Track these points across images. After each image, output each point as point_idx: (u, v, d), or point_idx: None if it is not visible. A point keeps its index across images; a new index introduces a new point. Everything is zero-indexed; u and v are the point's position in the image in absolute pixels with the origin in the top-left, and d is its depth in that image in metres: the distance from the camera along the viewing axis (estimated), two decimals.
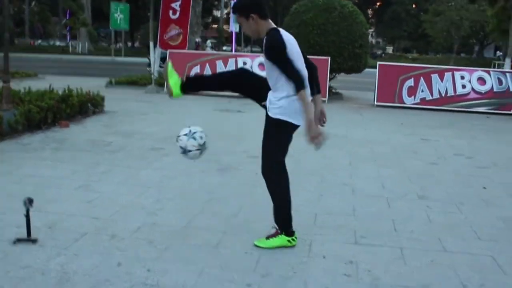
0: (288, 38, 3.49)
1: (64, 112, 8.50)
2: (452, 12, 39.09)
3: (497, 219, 4.66)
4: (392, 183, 5.76)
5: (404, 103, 12.82)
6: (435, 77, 12.85)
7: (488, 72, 13.08)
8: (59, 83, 11.14)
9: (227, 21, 59.42)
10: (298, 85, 3.33)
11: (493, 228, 4.41)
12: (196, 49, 18.98)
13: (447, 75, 12.86)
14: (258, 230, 4.04)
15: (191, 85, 3.88)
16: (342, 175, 6.03)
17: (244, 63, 13.32)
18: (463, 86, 12.79)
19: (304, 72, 3.47)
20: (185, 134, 3.77)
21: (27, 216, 3.59)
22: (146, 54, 34.94)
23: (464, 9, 38.94)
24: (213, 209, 4.54)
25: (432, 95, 12.82)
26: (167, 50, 14.02)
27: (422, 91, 12.83)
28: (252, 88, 3.74)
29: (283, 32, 3.52)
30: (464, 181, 5.97)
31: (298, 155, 6.66)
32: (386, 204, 4.97)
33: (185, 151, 3.75)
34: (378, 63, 13.40)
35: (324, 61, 12.74)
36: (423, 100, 12.82)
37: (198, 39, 20.18)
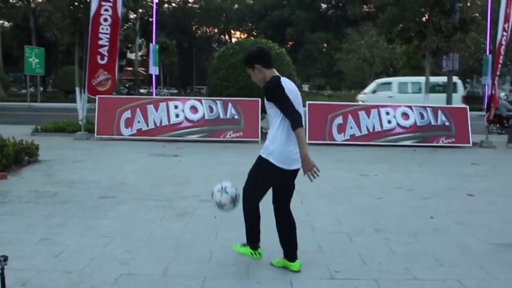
0: (287, 85, 3.74)
1: (0, 163, 8.13)
2: (365, 50, 41.29)
3: (452, 246, 4.97)
4: (347, 218, 5.97)
5: (335, 140, 13.31)
6: (362, 114, 13.48)
7: (410, 107, 13.92)
8: None
9: (142, 64, 59.21)
10: (296, 122, 3.67)
11: (451, 255, 4.70)
12: None
13: (373, 111, 13.54)
14: (235, 273, 4.09)
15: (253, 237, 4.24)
16: (298, 213, 6.09)
17: (176, 107, 13.29)
18: (389, 122, 13.50)
19: (302, 114, 3.78)
20: (218, 190, 4.08)
21: (2, 275, 3.42)
22: (63, 99, 33.82)
23: (375, 47, 41.22)
24: (185, 256, 4.52)
25: (360, 131, 13.41)
26: (95, 95, 13.77)
27: (351, 127, 13.40)
28: None
29: (283, 78, 3.86)
30: (412, 213, 6.30)
31: None
32: (348, 239, 5.15)
33: (220, 205, 4.07)
34: (307, 102, 13.86)
35: (255, 102, 13.07)
36: (353, 137, 13.37)
37: None
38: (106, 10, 12.85)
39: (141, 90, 53.98)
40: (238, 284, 3.90)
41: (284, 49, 14.38)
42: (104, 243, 4.80)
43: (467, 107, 14.07)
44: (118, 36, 13.22)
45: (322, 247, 4.86)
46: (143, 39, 57.95)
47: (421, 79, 22.89)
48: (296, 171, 4.02)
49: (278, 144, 3.87)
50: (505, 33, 13.29)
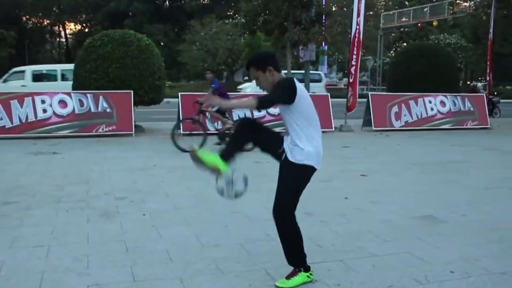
0: (301, 86, 3.68)
1: None
2: (207, 42, 41.83)
3: (381, 223, 5.41)
4: (270, 206, 6.10)
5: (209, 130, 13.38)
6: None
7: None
8: None
9: None
10: (262, 101, 3.48)
11: (386, 231, 5.13)
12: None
13: None
14: (207, 270, 4.03)
15: (228, 155, 3.78)
16: (224, 204, 6.18)
17: (43, 101, 12.26)
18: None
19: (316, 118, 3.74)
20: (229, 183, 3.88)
21: None
22: None
23: (218, 39, 41.98)
24: (141, 258, 4.29)
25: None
26: None
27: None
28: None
29: (297, 82, 3.70)
30: (326, 195, 6.68)
31: (166, 193, 6.70)
32: None
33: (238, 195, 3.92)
34: (180, 93, 13.75)
35: (127, 95, 12.70)
36: None
37: None
38: None
39: None
40: (218, 281, 3.84)
41: None
42: (43, 253, 4.36)
43: (328, 94, 15.09)
44: None
45: (270, 235, 4.95)
46: None
47: (57, 66, 23.70)
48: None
49: (309, 145, 3.67)
50: (358, 27, 14.46)
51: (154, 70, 13.47)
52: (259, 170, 8.46)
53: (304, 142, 3.66)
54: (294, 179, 3.73)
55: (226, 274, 3.96)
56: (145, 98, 13.41)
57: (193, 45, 43.21)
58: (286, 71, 17.95)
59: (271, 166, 9.00)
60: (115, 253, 4.39)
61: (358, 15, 14.50)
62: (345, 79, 56.19)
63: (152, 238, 4.82)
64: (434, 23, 39.90)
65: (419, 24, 41.40)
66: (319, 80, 27.40)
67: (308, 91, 17.04)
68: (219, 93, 10.81)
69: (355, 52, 14.64)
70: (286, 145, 3.71)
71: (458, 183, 7.61)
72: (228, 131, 10.92)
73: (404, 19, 44.44)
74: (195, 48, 42.98)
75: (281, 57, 22.21)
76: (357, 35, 14.57)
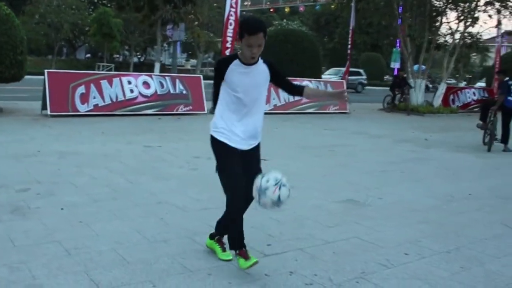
0: None
1: None
2: (52, 15, 38.67)
3: (312, 208, 5.52)
4: (193, 194, 5.90)
5: (78, 111, 12.48)
6: (104, 83, 12.96)
7: (150, 76, 14.05)
8: None
9: None
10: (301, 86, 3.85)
11: (322, 217, 5.24)
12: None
13: (115, 80, 13.18)
14: (172, 270, 3.77)
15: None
16: (143, 195, 5.82)
17: None
18: (131, 91, 13.35)
19: None
20: (276, 184, 3.42)
21: None
22: None
23: (62, 12, 39.05)
24: (91, 261, 3.79)
25: (104, 101, 12.90)
26: None
27: (94, 97, 12.76)
28: None
29: None
30: None
31: (72, 183, 6.15)
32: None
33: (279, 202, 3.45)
34: (46, 70, 12.59)
35: None
36: (96, 107, 12.77)
37: None
38: None
39: None
40: (193, 281, 3.56)
41: None
42: None
43: (201, 76, 14.92)
44: None
45: (213, 226, 4.75)
46: None
47: None
48: None
49: None
50: (232, 9, 14.44)
51: (16, 44, 12.10)
52: (154, 155, 8.13)
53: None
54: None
55: (197, 273, 3.71)
56: (5, 74, 12.01)
57: (33, 18, 39.60)
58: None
59: (165, 150, 8.74)
60: (56, 258, 3.84)
61: None
62: (192, 61, 56.17)
63: (89, 237, 4.33)
64: (286, 9, 41.52)
65: (271, 9, 42.78)
66: None
67: (174, 72, 16.67)
68: None
69: (230, 34, 14.60)
70: (255, 130, 3.80)
71: (354, 166, 8.04)
72: None
73: (247, 3, 45.63)
74: (34, 22, 39.43)
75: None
76: (231, 17, 14.53)
